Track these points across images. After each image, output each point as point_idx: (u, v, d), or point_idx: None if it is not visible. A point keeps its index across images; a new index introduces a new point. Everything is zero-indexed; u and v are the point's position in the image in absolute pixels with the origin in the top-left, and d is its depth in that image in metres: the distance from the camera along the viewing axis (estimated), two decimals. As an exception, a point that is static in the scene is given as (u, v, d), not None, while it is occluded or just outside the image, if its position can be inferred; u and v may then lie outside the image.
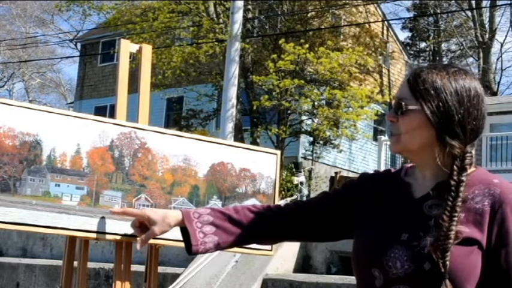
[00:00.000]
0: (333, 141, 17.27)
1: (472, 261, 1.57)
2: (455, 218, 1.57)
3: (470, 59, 30.99)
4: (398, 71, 25.73)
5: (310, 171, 18.77)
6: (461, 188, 1.60)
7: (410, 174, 1.77)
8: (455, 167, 1.62)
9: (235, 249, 4.10)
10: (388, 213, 1.72)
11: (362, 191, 1.82)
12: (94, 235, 3.60)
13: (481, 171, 1.69)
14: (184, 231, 1.85)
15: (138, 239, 1.83)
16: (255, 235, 1.89)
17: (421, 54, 33.32)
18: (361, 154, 22.55)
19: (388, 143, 18.45)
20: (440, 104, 1.62)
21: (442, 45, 32.07)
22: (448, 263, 1.53)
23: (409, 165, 1.81)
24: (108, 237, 3.69)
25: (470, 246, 1.58)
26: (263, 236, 1.92)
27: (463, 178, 1.62)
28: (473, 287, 1.57)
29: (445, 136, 1.62)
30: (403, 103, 1.65)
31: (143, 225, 1.84)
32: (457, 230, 1.56)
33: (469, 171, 1.65)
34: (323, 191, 1.96)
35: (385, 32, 24.70)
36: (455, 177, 1.61)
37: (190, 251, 1.83)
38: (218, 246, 1.84)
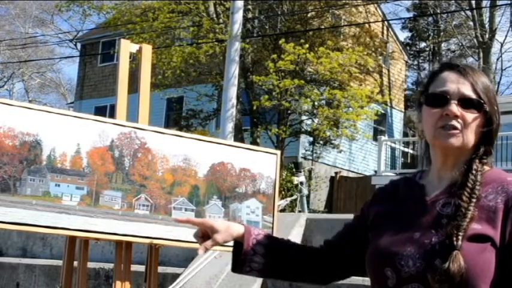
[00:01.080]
0: (333, 141, 17.26)
1: (486, 259, 1.56)
2: (474, 200, 1.60)
3: (470, 59, 30.95)
4: (398, 71, 25.71)
5: (310, 171, 18.76)
6: (478, 177, 1.64)
7: (424, 176, 1.79)
8: (476, 160, 1.68)
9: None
10: (401, 215, 1.72)
11: (375, 205, 1.83)
12: (94, 235, 3.60)
13: (496, 171, 1.71)
14: (236, 248, 1.85)
15: (200, 246, 1.84)
16: (301, 271, 1.88)
17: (421, 54, 33.33)
18: (361, 154, 22.53)
19: (389, 142, 18.34)
20: (496, 108, 1.71)
21: (442, 45, 32.07)
22: (460, 237, 1.54)
23: (422, 169, 1.82)
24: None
25: (482, 243, 1.57)
26: (307, 274, 1.89)
27: (486, 167, 1.68)
28: (488, 286, 1.56)
29: (494, 136, 1.71)
30: (483, 100, 1.68)
31: (205, 235, 1.85)
32: (472, 214, 1.58)
33: (485, 168, 1.69)
34: (345, 223, 1.93)
35: (385, 32, 24.69)
36: (477, 163, 1.67)
37: (235, 267, 1.85)
38: (262, 271, 1.83)
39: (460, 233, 1.55)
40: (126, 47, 4.08)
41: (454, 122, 1.66)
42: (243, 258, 1.81)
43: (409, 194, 1.76)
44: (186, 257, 7.46)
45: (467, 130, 1.66)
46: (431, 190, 1.72)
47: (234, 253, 1.86)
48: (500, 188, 1.64)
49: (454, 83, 1.69)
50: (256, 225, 3.97)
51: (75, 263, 3.74)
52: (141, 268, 4.52)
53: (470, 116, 1.67)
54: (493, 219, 1.59)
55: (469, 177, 1.64)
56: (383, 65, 23.85)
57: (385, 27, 24.63)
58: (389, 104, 23.41)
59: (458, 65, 1.73)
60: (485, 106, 1.68)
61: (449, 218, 1.60)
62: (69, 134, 3.53)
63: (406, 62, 27.21)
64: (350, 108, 16.10)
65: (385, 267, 1.63)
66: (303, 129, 17.38)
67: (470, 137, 1.67)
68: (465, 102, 1.67)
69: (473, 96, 1.67)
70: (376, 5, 22.50)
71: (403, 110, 25.33)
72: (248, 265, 1.82)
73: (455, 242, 1.54)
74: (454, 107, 1.66)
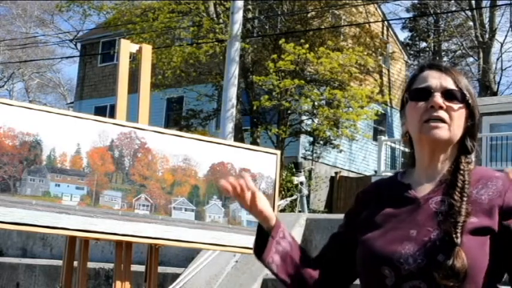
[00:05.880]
0: (333, 141, 17.27)
1: (485, 253, 1.59)
2: (465, 198, 1.62)
3: (470, 59, 31.01)
4: (398, 71, 25.72)
5: (310, 171, 18.76)
6: (466, 176, 1.67)
7: (406, 177, 1.80)
8: (462, 158, 1.71)
9: (235, 249, 4.11)
10: (391, 214, 1.72)
11: (361, 209, 1.83)
12: (94, 235, 3.60)
13: (481, 168, 1.75)
14: (262, 233, 1.83)
15: (229, 179, 1.79)
16: (303, 281, 1.85)
17: (421, 54, 33.31)
18: (361, 154, 22.53)
19: (389, 142, 18.35)
20: (476, 103, 1.74)
21: (442, 45, 32.07)
22: (459, 233, 1.56)
23: (401, 170, 1.85)
24: (108, 237, 3.68)
25: (482, 236, 1.60)
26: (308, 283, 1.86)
27: (471, 166, 1.71)
28: (483, 273, 1.59)
29: (476, 131, 1.74)
30: (466, 93, 1.71)
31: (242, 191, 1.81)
32: (467, 208, 1.61)
33: (471, 167, 1.72)
34: (331, 235, 1.90)
35: (385, 32, 24.69)
36: (464, 164, 1.70)
37: (260, 248, 1.82)
38: (283, 257, 1.81)
39: (458, 230, 1.57)
40: (126, 47, 4.08)
41: (439, 114, 1.68)
42: (272, 237, 1.79)
43: (394, 194, 1.76)
44: (186, 257, 7.45)
45: (453, 122, 1.69)
46: (420, 189, 1.72)
47: (260, 233, 1.84)
48: (490, 183, 1.67)
49: (436, 78, 1.72)
50: (256, 225, 3.97)
51: (75, 263, 3.74)
52: (141, 268, 4.51)
53: (455, 107, 1.69)
54: (488, 210, 1.62)
55: (458, 177, 1.67)
56: (383, 65, 23.85)
57: (385, 28, 24.64)
58: (389, 104, 23.42)
59: (437, 64, 1.77)
60: (468, 98, 1.71)
61: (445, 215, 1.62)
62: (69, 134, 3.53)
63: (406, 62, 27.21)
64: (350, 108, 16.09)
65: (382, 266, 1.63)
66: (303, 129, 17.38)
67: (457, 131, 1.70)
68: (449, 95, 1.70)
69: (456, 89, 1.71)
70: (376, 5, 22.50)
71: (403, 110, 25.26)
72: (274, 247, 1.80)
73: (455, 239, 1.55)
74: (439, 98, 1.68)
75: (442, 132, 1.67)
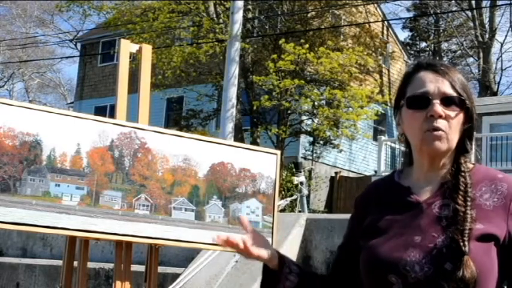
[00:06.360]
0: (333, 141, 17.27)
1: (492, 257, 1.57)
2: (469, 202, 1.59)
3: (470, 59, 31.01)
4: (398, 71, 25.72)
5: (310, 171, 18.76)
6: (468, 178, 1.64)
7: (404, 177, 1.76)
8: (462, 158, 1.68)
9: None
10: (394, 218, 1.68)
11: (360, 210, 1.80)
12: (94, 235, 3.60)
13: (481, 167, 1.71)
14: (268, 270, 1.79)
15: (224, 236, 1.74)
16: None
17: (421, 54, 33.30)
18: (361, 154, 22.53)
19: (389, 142, 18.33)
20: (473, 103, 1.69)
21: (442, 45, 32.07)
22: (466, 241, 1.53)
23: (400, 170, 1.80)
24: (108, 237, 3.69)
25: (487, 242, 1.57)
26: None
27: (470, 165, 1.68)
28: (492, 282, 1.57)
29: (474, 132, 1.70)
30: (464, 98, 1.66)
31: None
32: (472, 214, 1.58)
33: (469, 166, 1.69)
34: (338, 246, 1.87)
35: (385, 32, 24.70)
36: (464, 164, 1.67)
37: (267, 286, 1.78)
38: None
39: (465, 237, 1.54)
40: (126, 47, 4.08)
41: (439, 124, 1.63)
42: (278, 274, 1.75)
43: (395, 197, 1.72)
44: (186, 257, 7.46)
45: (451, 130, 1.64)
46: (420, 192, 1.69)
47: (266, 272, 1.79)
48: (494, 186, 1.64)
49: (433, 83, 1.67)
50: (256, 225, 3.98)
51: (75, 263, 3.74)
52: (141, 268, 4.52)
53: (454, 114, 1.65)
54: (493, 217, 1.59)
55: (459, 179, 1.63)
56: (383, 65, 23.85)
57: (385, 27, 24.64)
58: (389, 104, 23.40)
59: (433, 64, 1.71)
60: (467, 103, 1.66)
61: (449, 220, 1.59)
62: (69, 134, 3.53)
63: (406, 62, 27.21)
64: (350, 108, 16.10)
65: (389, 273, 1.59)
66: (303, 129, 17.39)
67: (455, 137, 1.66)
68: (447, 101, 1.65)
69: (454, 94, 1.66)
70: (376, 5, 22.50)
71: (403, 110, 25.25)
72: (282, 284, 1.76)
73: (463, 248, 1.53)
74: (438, 107, 1.63)
75: (442, 143, 1.64)
